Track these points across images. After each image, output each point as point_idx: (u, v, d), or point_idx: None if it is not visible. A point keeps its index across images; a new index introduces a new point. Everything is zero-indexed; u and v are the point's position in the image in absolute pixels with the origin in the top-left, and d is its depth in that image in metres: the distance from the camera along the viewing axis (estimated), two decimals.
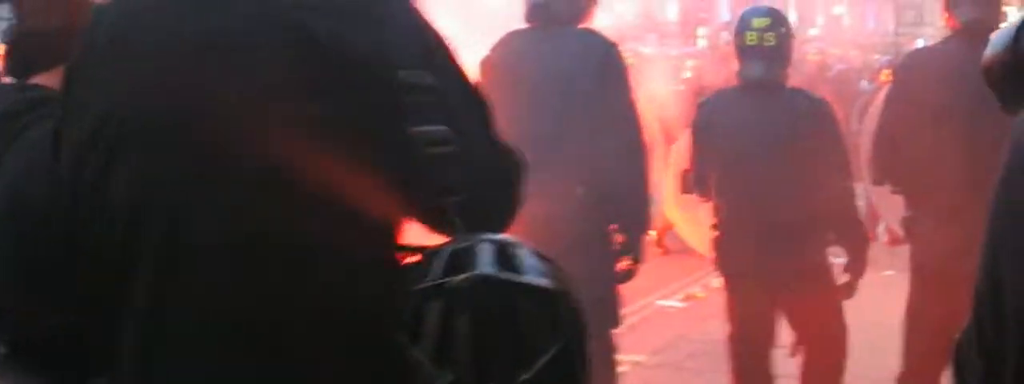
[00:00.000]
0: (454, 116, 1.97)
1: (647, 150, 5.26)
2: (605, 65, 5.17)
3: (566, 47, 5.26)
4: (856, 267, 5.72)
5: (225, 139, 1.86)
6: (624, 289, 5.33)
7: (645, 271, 5.55)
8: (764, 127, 5.65)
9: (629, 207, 5.19)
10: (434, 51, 2.01)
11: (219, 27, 1.90)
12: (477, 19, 7.39)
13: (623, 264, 5.24)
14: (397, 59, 1.92)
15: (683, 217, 6.87)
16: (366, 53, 1.91)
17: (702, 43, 24.39)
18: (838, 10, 72.58)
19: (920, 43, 28.73)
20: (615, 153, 5.09)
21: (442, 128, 1.93)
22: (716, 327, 6.22)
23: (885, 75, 13.75)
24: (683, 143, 6.38)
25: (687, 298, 10.33)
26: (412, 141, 1.90)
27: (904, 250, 5.72)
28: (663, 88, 8.78)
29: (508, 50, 5.40)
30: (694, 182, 6.01)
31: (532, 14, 5.41)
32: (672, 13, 29.66)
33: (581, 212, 5.11)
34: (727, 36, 11.90)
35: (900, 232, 5.81)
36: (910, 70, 5.73)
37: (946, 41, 5.66)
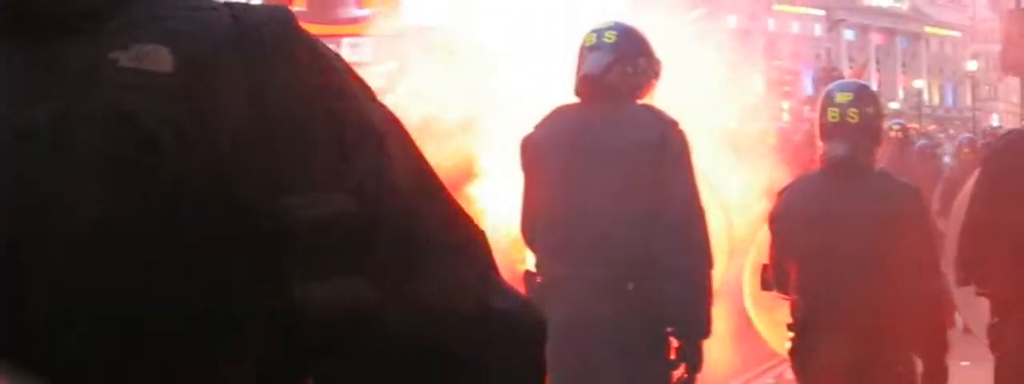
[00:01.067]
0: (382, 265, 1.36)
1: (708, 241, 4.63)
2: (664, 145, 4.57)
3: (621, 124, 4.68)
4: (933, 379, 5.09)
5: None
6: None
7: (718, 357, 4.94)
8: (848, 215, 5.06)
9: (686, 306, 4.57)
10: (359, 146, 1.38)
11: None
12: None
13: (678, 372, 4.61)
14: (282, 171, 1.35)
15: (762, 317, 6.23)
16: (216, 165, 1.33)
17: (786, 117, 23.72)
18: (918, 84, 72.48)
19: (995, 118, 28.23)
20: (672, 244, 4.52)
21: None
22: None
23: (966, 153, 13.09)
24: (764, 234, 5.75)
25: None
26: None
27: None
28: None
29: (556, 127, 4.82)
30: (773, 277, 5.41)
31: (584, 86, 4.84)
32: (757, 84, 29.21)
33: (631, 311, 4.54)
34: (810, 111, 11.30)
35: (983, 340, 5.18)
36: (1007, 152, 5.11)
37: None
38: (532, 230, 4.82)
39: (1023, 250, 4.68)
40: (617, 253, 4.54)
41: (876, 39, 72.53)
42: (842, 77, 28.74)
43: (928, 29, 79.36)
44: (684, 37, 7.28)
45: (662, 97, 4.92)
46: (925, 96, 74.09)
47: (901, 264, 4.92)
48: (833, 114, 5.14)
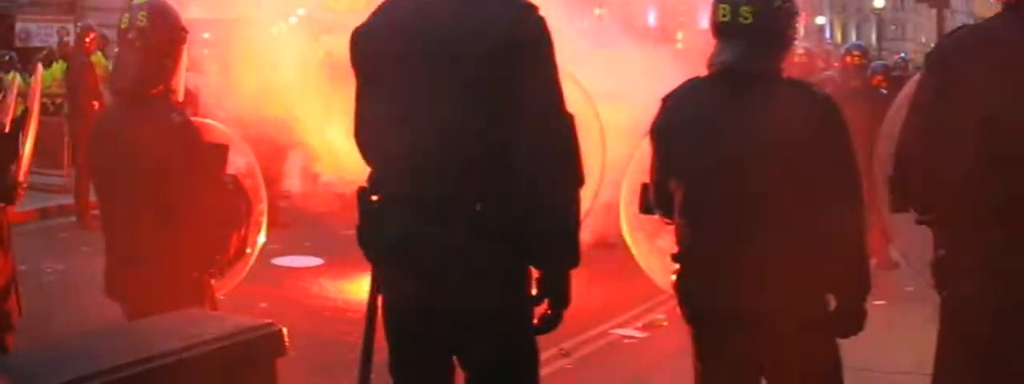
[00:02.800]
0: None
1: (577, 151, 3.83)
2: (518, 35, 3.78)
3: (467, 12, 3.87)
4: (847, 323, 4.39)
5: None
6: (573, 313, 3.91)
7: (598, 291, 4.17)
8: (740, 129, 4.33)
9: (549, 230, 3.80)
10: None
11: None
12: None
13: (541, 308, 3.86)
14: None
15: (639, 242, 5.48)
16: None
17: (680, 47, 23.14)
18: (820, 20, 72.05)
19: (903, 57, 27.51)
20: (529, 154, 3.75)
21: None
22: (682, 364, 4.82)
23: (877, 82, 12.40)
24: (644, 150, 5.03)
25: (648, 326, 8.87)
26: None
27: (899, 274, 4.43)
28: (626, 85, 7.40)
29: (389, 16, 4.03)
30: (655, 199, 4.70)
31: None
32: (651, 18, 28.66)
33: (480, 237, 3.81)
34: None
35: (925, 274, 4.49)
36: (950, 59, 4.39)
37: (994, 21, 4.37)
38: (364, 138, 4.07)
39: (984, 164, 4.02)
40: (460, 166, 3.80)
41: None
42: None
43: None
44: None
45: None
46: (828, 34, 73.72)
47: (811, 186, 4.22)
48: (723, 12, 4.37)
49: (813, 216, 4.21)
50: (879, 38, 72.08)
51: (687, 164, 4.43)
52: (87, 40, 13.96)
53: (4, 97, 5.73)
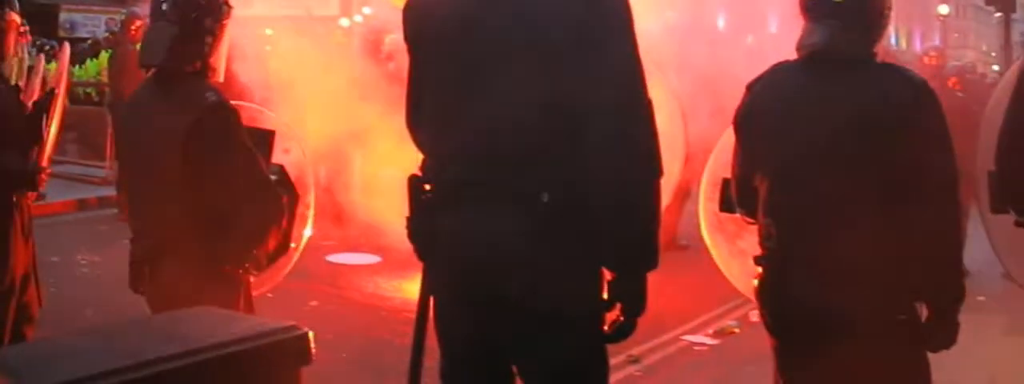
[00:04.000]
0: None
1: (656, 139, 3.42)
2: (593, 8, 3.39)
3: None
4: (940, 335, 3.97)
5: None
6: (643, 318, 3.50)
7: (667, 294, 3.75)
8: (830, 118, 3.93)
9: (623, 227, 3.42)
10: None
11: None
12: None
13: (613, 314, 3.45)
14: None
15: (719, 244, 5.07)
16: None
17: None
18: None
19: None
20: (606, 141, 3.36)
21: None
22: (756, 374, 4.40)
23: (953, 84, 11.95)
24: (727, 141, 4.62)
25: (720, 333, 8.48)
26: None
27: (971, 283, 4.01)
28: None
29: None
30: (736, 196, 4.31)
31: None
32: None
33: (547, 233, 3.42)
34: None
35: None
36: None
37: None
38: (418, 122, 3.71)
39: None
40: (527, 152, 3.41)
41: None
42: None
43: None
44: None
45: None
46: (894, 40, 73.11)
47: (904, 181, 3.82)
48: None
49: (906, 214, 3.81)
50: (944, 45, 71.45)
51: (772, 156, 4.05)
52: (132, 28, 13.56)
53: (29, 79, 5.37)
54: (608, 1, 3.42)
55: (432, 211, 3.62)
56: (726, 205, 4.37)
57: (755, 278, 4.15)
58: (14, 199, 5.09)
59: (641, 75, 3.42)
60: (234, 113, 4.69)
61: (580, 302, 3.47)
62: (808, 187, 3.94)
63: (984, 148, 4.28)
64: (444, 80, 3.58)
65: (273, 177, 4.97)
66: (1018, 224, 3.99)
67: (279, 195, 4.83)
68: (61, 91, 5.30)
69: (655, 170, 3.41)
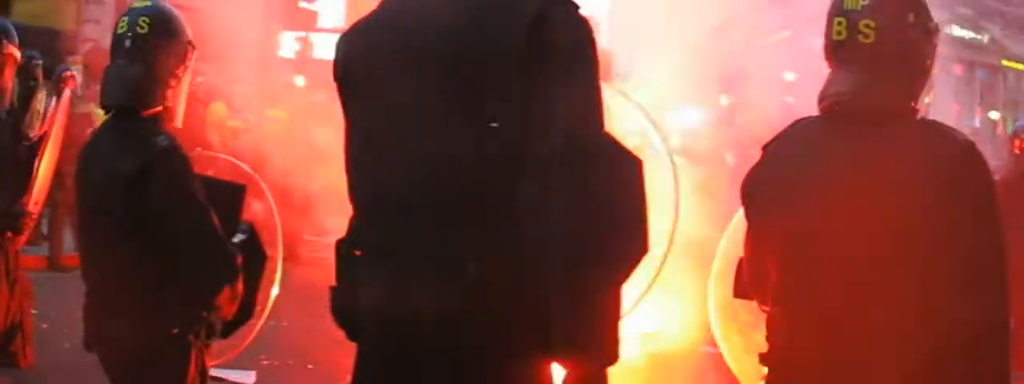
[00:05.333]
0: None
1: (627, 199, 2.71)
2: (539, 33, 2.71)
3: (467, 6, 2.82)
4: None
5: None
6: None
7: None
8: (860, 184, 3.18)
9: (574, 309, 2.66)
10: None
11: None
12: None
13: None
14: None
15: (732, 339, 4.29)
16: None
17: None
18: (993, 115, 70.34)
19: None
20: (554, 200, 2.66)
21: None
22: None
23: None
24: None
25: None
26: None
27: None
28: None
29: (377, 16, 3.02)
30: (748, 279, 3.56)
31: None
32: None
33: (476, 311, 2.74)
34: None
35: None
36: None
37: None
38: (348, 174, 3.05)
39: None
40: (450, 210, 2.75)
41: (956, 70, 70.70)
42: None
43: (1005, 62, 77.79)
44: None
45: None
46: (1000, 128, 71.95)
47: (941, 267, 3.09)
48: (838, 28, 3.23)
49: (941, 308, 3.05)
50: None
51: (784, 232, 3.30)
52: None
53: (30, 116, 5.30)
54: (558, 22, 2.74)
55: (357, 281, 2.96)
56: (740, 290, 3.59)
57: (763, 380, 3.39)
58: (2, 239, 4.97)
59: (598, 120, 2.72)
60: (185, 161, 4.34)
61: None
62: (825, 272, 3.19)
63: None
64: (366, 124, 2.94)
65: (243, 236, 4.61)
66: None
67: (231, 254, 4.38)
68: (55, 133, 5.15)
69: (622, 236, 2.69)
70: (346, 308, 3.02)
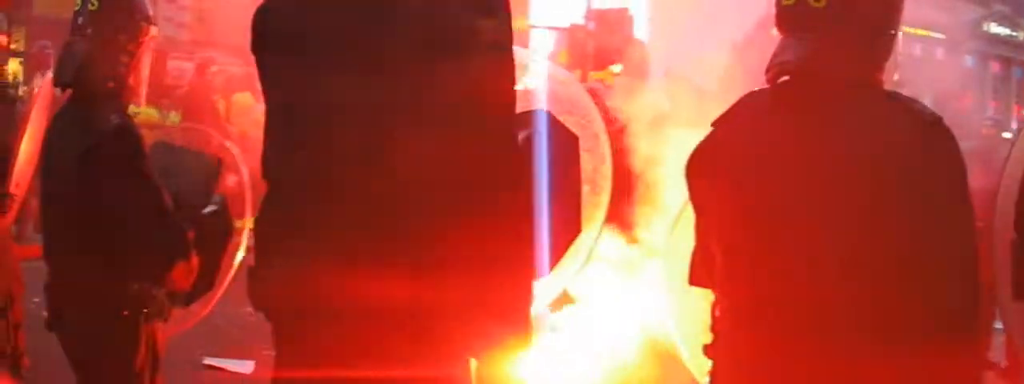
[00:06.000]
0: None
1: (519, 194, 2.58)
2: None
3: None
4: None
5: None
6: None
7: None
8: (810, 162, 2.91)
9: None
10: None
11: None
12: None
13: None
14: None
15: (687, 329, 4.03)
16: None
17: None
18: None
19: None
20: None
21: None
22: None
23: None
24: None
25: None
26: None
27: None
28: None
29: None
30: (697, 265, 3.30)
31: None
32: None
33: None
34: None
35: None
36: None
37: None
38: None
39: None
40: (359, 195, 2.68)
41: (994, 67, 70.14)
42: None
43: None
44: None
45: None
46: None
47: (899, 251, 2.82)
48: None
49: (903, 302, 2.79)
50: None
51: (729, 213, 3.04)
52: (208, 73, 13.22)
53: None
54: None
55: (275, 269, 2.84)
56: (695, 277, 3.32)
57: (708, 374, 3.14)
58: None
59: (508, 107, 2.61)
60: (137, 139, 4.33)
61: None
62: (770, 255, 2.93)
63: (1002, 213, 3.17)
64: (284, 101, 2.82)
65: (213, 207, 4.67)
66: None
67: (181, 231, 4.39)
68: (36, 114, 5.14)
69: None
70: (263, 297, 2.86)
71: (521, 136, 2.81)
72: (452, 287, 2.62)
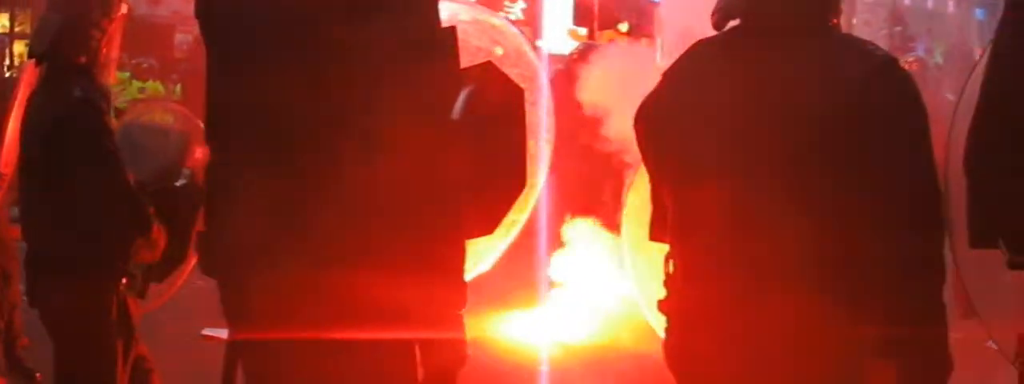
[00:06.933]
0: None
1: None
2: None
3: None
4: None
5: None
6: None
7: None
8: (759, 107, 2.84)
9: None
10: None
11: None
12: None
13: None
14: None
15: (646, 285, 3.98)
16: None
17: None
18: None
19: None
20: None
21: None
22: None
23: None
24: None
25: None
26: None
27: None
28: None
29: None
30: (652, 218, 3.25)
31: None
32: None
33: None
34: None
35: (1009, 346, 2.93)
36: None
37: None
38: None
39: None
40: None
41: None
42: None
43: None
44: None
45: None
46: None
47: (864, 196, 2.76)
48: None
49: (861, 247, 2.73)
50: None
51: (679, 162, 2.98)
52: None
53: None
54: None
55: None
56: (655, 231, 3.26)
57: (663, 331, 3.09)
58: None
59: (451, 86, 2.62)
60: (99, 112, 4.43)
61: None
62: (722, 204, 2.87)
63: (955, 158, 3.09)
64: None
65: (183, 181, 4.76)
66: (1012, 265, 2.82)
67: (141, 205, 4.45)
68: (23, 92, 5.15)
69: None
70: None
71: (464, 92, 2.76)
72: (388, 252, 2.60)
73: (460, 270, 2.66)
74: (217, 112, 2.83)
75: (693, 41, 3.08)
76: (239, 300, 2.79)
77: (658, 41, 10.38)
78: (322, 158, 2.65)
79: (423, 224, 2.60)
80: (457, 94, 2.75)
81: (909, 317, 2.79)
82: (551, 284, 6.28)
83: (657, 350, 3.12)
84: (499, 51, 4.32)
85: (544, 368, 5.51)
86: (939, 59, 22.13)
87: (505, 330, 5.60)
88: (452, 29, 2.73)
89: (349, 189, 2.63)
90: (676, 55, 3.07)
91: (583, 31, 14.32)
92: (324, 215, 2.64)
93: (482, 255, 4.67)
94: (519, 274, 5.85)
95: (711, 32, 3.01)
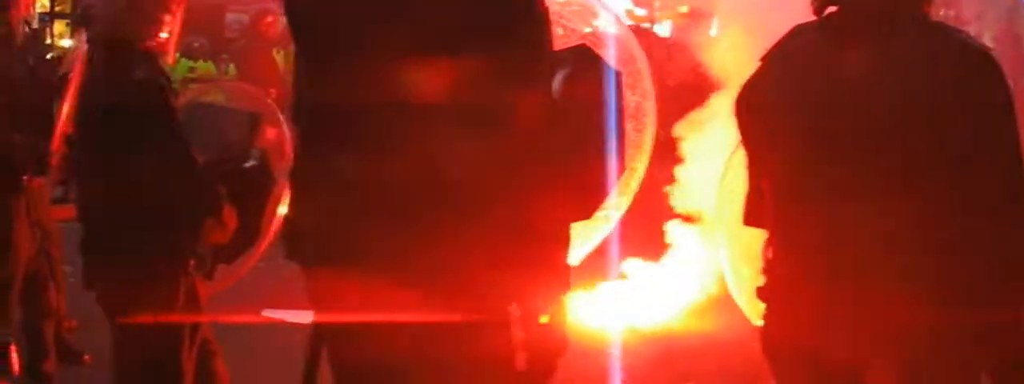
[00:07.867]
0: None
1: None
2: None
3: None
4: None
5: None
6: None
7: None
8: (858, 95, 2.78)
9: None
10: None
11: None
12: None
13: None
14: None
15: (743, 276, 3.90)
16: None
17: None
18: None
19: None
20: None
21: None
22: None
23: None
24: None
25: None
26: None
27: None
28: None
29: None
30: (748, 205, 3.18)
31: None
32: None
33: None
34: None
35: None
36: None
37: None
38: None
39: None
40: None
41: None
42: None
43: None
44: None
45: None
46: None
47: (968, 187, 2.71)
48: None
49: (968, 233, 2.66)
50: None
51: (777, 152, 2.91)
52: (264, 23, 13.02)
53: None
54: None
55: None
56: (750, 216, 3.19)
57: (761, 318, 3.03)
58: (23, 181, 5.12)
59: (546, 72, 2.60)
60: (162, 93, 4.27)
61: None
62: (823, 198, 2.80)
63: None
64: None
65: (253, 162, 4.66)
66: None
67: (210, 185, 4.34)
68: (75, 77, 5.13)
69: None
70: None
71: (559, 76, 2.70)
72: (489, 235, 2.54)
73: (563, 254, 2.59)
74: (306, 95, 2.77)
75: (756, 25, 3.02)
76: (329, 285, 2.73)
77: (714, 21, 10.19)
78: (417, 140, 2.58)
79: (525, 207, 2.53)
80: (554, 75, 2.69)
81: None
82: (621, 275, 6.22)
83: (728, 335, 3.08)
84: (589, 29, 4.22)
85: (615, 352, 5.46)
86: (989, 43, 21.83)
87: (576, 314, 5.55)
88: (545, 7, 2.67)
89: (446, 171, 2.56)
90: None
91: (642, 12, 14.07)
92: (420, 199, 2.58)
93: (585, 240, 4.59)
94: (590, 258, 5.81)
95: (766, 12, 2.94)
